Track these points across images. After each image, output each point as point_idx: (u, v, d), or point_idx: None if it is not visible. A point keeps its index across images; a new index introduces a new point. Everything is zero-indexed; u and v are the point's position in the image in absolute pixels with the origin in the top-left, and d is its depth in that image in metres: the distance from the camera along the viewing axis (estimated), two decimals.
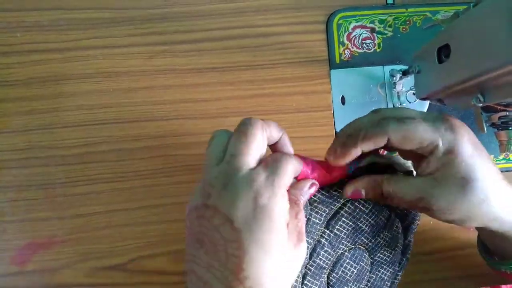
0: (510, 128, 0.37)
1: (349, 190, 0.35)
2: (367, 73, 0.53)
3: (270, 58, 0.53)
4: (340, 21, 0.54)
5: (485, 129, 0.38)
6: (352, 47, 0.54)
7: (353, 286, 0.38)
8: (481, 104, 0.35)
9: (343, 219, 0.36)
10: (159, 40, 0.53)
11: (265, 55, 0.53)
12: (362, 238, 0.38)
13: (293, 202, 0.30)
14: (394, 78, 0.50)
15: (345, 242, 0.37)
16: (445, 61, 0.38)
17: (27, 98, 0.52)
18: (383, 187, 0.34)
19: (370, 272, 0.39)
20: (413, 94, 0.48)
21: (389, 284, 0.40)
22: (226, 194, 0.28)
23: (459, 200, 0.31)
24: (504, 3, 0.30)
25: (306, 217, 0.34)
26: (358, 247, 0.38)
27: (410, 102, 0.50)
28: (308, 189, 0.32)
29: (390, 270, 0.40)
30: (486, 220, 0.32)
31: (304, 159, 0.33)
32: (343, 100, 0.53)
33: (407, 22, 0.54)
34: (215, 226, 0.28)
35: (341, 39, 0.54)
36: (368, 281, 0.39)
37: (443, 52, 0.38)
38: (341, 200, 0.36)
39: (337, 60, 0.54)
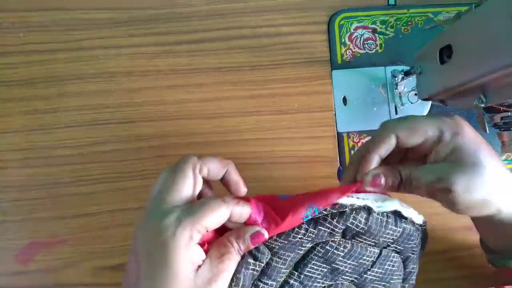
0: None
1: (368, 176, 0.34)
2: (368, 74, 0.54)
3: (272, 58, 0.53)
4: (342, 22, 0.54)
5: (488, 130, 0.38)
6: (354, 48, 0.54)
7: None
8: (483, 105, 0.35)
9: (313, 262, 0.34)
10: (161, 41, 0.53)
11: (267, 55, 0.53)
12: (344, 277, 0.36)
13: (221, 244, 0.31)
14: (396, 78, 0.50)
15: (322, 281, 0.36)
16: (447, 62, 0.38)
17: (30, 98, 0.52)
18: (402, 172, 0.34)
19: None
20: (415, 94, 0.49)
21: None
22: (142, 225, 0.30)
23: (478, 178, 0.32)
24: (506, 4, 0.30)
25: (263, 262, 0.33)
26: (342, 283, 0.37)
27: (412, 103, 0.51)
28: (250, 236, 0.31)
29: None
30: (502, 203, 0.33)
31: (257, 205, 0.32)
32: (344, 101, 0.53)
33: (409, 23, 0.54)
34: (131, 255, 0.30)
35: (343, 40, 0.54)
36: None
37: (445, 53, 0.39)
38: (308, 245, 0.34)
39: (339, 61, 0.54)
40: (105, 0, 0.53)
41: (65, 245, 0.51)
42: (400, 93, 0.52)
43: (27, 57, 0.52)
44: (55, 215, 0.51)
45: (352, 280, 0.37)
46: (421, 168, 0.34)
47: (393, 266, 0.37)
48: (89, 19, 0.53)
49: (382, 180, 0.34)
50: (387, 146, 0.34)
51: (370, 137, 0.38)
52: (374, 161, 0.35)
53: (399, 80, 0.50)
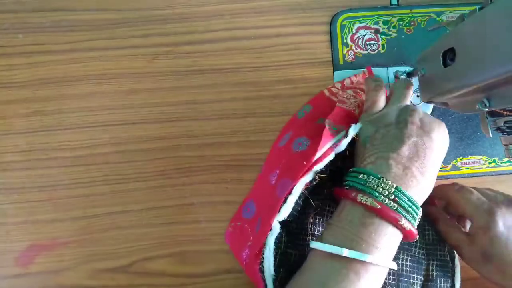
0: None
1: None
2: None
3: (274, 59, 0.53)
4: (344, 22, 0.54)
5: (491, 134, 0.38)
6: (356, 48, 0.54)
7: None
8: (486, 109, 0.35)
9: None
10: (162, 42, 0.53)
11: (268, 56, 0.53)
12: None
13: None
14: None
15: None
16: (450, 64, 0.37)
17: (30, 100, 0.52)
18: (441, 226, 0.45)
19: None
20: (417, 96, 0.48)
21: None
22: None
23: (480, 265, 0.41)
24: (511, 7, 0.30)
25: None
26: None
27: (414, 105, 0.50)
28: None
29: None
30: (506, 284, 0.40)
31: None
32: None
33: (412, 23, 0.54)
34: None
35: (345, 40, 0.54)
36: None
37: (449, 56, 0.38)
38: None
39: (341, 61, 0.53)
40: (107, 1, 0.53)
41: (65, 248, 0.51)
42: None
43: (27, 59, 0.52)
44: (55, 217, 0.51)
45: None
46: (448, 230, 0.44)
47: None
48: (89, 20, 0.52)
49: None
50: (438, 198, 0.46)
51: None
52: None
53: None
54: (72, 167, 0.51)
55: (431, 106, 0.52)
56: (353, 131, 0.41)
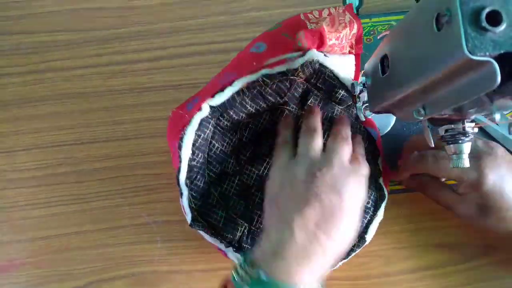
0: (460, 141, 0.35)
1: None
2: None
3: None
4: None
5: (433, 143, 0.35)
6: None
7: None
8: (421, 117, 0.33)
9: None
10: (117, 60, 0.53)
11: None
12: None
13: None
14: (355, 91, 0.47)
15: None
16: (387, 72, 0.36)
17: None
18: (429, 191, 0.45)
19: None
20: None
21: None
22: None
23: (478, 219, 0.41)
24: (433, 4, 0.28)
25: None
26: None
27: (366, 117, 0.48)
28: None
29: None
30: (506, 231, 0.40)
31: None
32: None
33: (371, 33, 0.52)
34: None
35: None
36: None
37: (386, 63, 0.36)
38: None
39: None
40: (64, 22, 0.53)
41: (23, 269, 0.50)
42: (362, 105, 0.49)
43: None
44: (12, 239, 0.51)
45: None
46: (440, 192, 0.44)
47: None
48: (46, 42, 0.53)
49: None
50: (418, 172, 0.44)
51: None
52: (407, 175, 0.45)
53: (358, 93, 0.47)
54: (28, 188, 0.51)
55: (392, 117, 0.50)
56: (312, 54, 0.40)
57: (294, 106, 0.44)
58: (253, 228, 0.43)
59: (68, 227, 0.51)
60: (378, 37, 0.44)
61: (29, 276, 0.50)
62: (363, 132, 0.46)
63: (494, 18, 0.23)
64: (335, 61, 0.43)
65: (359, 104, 0.48)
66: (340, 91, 0.44)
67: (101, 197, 0.51)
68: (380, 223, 0.48)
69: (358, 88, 0.47)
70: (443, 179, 0.45)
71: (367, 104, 0.45)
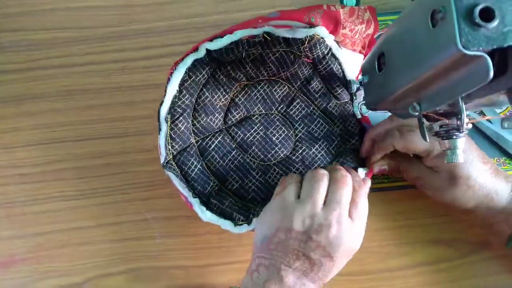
0: (454, 137, 0.35)
1: (376, 168, 0.45)
2: None
3: None
4: None
5: (428, 139, 0.36)
6: None
7: None
8: (417, 113, 0.34)
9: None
10: (117, 58, 0.53)
11: None
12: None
13: None
14: (351, 89, 0.48)
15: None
16: (383, 69, 0.36)
17: None
18: (401, 164, 0.45)
19: None
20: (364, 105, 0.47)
21: None
22: None
23: (447, 189, 0.42)
24: (427, 3, 0.29)
25: None
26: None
27: (364, 114, 0.48)
28: None
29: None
30: (473, 202, 0.41)
31: None
32: None
33: None
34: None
35: None
36: None
37: (382, 60, 0.37)
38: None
39: None
40: (64, 20, 0.54)
41: (23, 264, 0.51)
42: (359, 103, 0.50)
43: None
44: (12, 234, 0.51)
45: None
46: (411, 165, 0.44)
47: None
48: (48, 39, 0.53)
49: (386, 169, 0.45)
50: (387, 151, 0.44)
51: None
52: (379, 156, 0.45)
53: (355, 90, 0.48)
54: (29, 184, 0.52)
55: (388, 115, 0.51)
56: (320, 31, 0.40)
57: (295, 86, 0.45)
58: (224, 188, 0.43)
59: (68, 223, 0.51)
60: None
61: (29, 271, 0.51)
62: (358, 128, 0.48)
63: (487, 15, 0.24)
64: (345, 56, 0.44)
65: (355, 102, 0.49)
66: (342, 87, 0.45)
67: (101, 193, 0.51)
68: (376, 220, 0.49)
69: (355, 86, 0.48)
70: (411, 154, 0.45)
71: (364, 102, 0.46)
